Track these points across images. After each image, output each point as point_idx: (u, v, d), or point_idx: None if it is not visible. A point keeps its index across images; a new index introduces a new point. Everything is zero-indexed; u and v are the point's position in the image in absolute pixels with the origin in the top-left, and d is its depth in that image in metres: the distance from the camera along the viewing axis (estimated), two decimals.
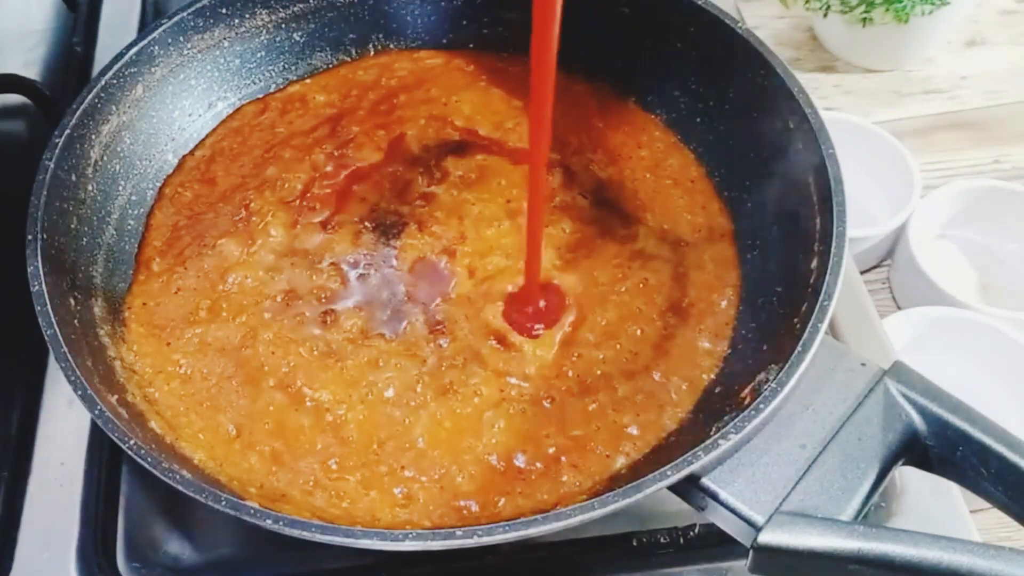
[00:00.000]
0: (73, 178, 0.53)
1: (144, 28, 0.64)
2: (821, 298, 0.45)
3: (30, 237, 0.47)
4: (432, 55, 0.65)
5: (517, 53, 0.65)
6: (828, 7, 0.91)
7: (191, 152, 0.60)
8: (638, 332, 0.51)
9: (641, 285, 0.53)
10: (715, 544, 0.47)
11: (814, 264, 0.47)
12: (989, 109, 0.95)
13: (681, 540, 0.50)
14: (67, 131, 0.52)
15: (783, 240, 0.52)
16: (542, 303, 0.52)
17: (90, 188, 0.54)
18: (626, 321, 0.52)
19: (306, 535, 0.39)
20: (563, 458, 0.46)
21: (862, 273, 0.66)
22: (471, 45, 0.66)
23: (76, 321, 0.48)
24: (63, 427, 0.55)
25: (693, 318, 0.52)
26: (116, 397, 0.46)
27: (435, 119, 0.62)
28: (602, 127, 0.61)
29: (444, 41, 0.66)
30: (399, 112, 0.62)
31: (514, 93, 0.63)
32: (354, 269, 0.54)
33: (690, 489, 0.42)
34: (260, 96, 0.63)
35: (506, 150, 0.60)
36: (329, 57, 0.65)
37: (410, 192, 0.58)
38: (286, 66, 0.64)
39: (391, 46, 0.66)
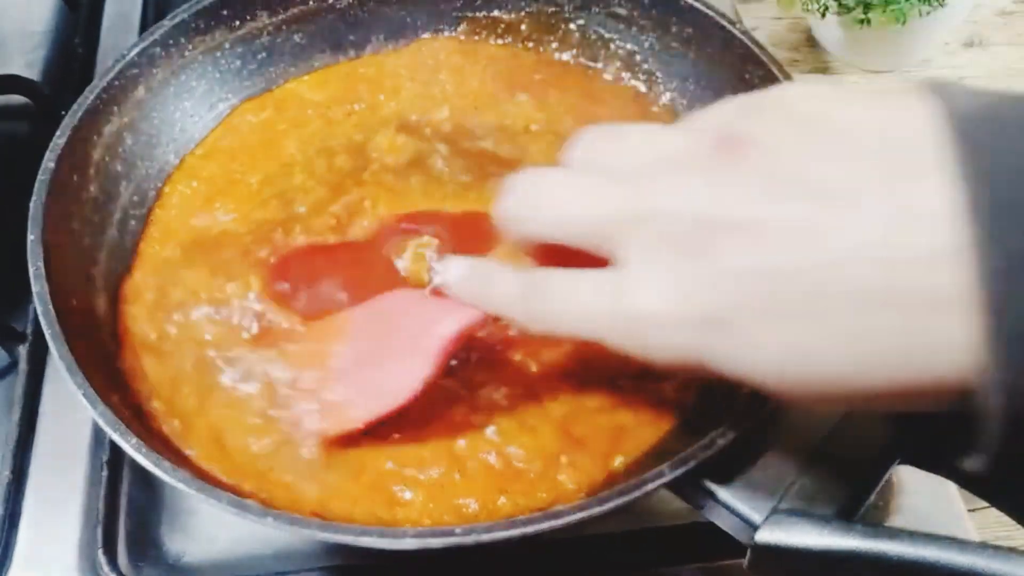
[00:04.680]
0: (75, 179, 0.53)
1: (145, 29, 0.64)
2: None
3: (32, 237, 0.48)
4: (433, 51, 0.66)
5: (521, 48, 0.65)
6: (826, 8, 0.91)
7: (192, 151, 0.60)
8: None
9: None
10: (714, 543, 0.47)
11: None
12: None
13: (680, 539, 0.51)
14: (68, 132, 0.52)
15: None
16: None
17: (92, 189, 0.54)
18: None
19: (306, 533, 0.39)
20: (562, 457, 0.46)
21: None
22: (475, 39, 0.66)
23: (77, 321, 0.48)
24: (63, 427, 0.55)
25: None
26: (117, 396, 0.46)
27: (438, 110, 0.62)
28: (603, 115, 0.61)
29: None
30: (401, 106, 0.62)
31: (517, 86, 0.63)
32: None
33: (689, 488, 0.42)
34: (259, 95, 0.63)
35: (511, 142, 0.60)
36: (329, 58, 0.65)
37: (411, 184, 0.58)
38: (287, 67, 0.64)
39: (391, 47, 0.66)
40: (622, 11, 0.62)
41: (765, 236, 0.28)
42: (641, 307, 0.31)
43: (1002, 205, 0.24)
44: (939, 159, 0.26)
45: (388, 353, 0.42)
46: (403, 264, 0.53)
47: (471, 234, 0.54)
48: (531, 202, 0.35)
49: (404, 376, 0.40)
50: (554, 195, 0.34)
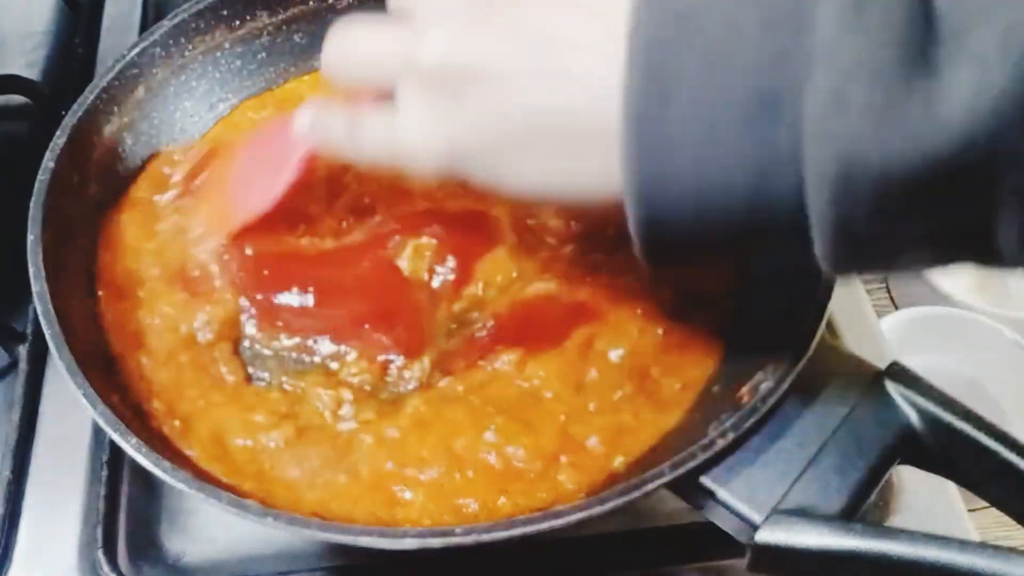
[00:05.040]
0: (75, 179, 0.53)
1: (145, 29, 0.64)
2: (819, 297, 0.45)
3: (32, 237, 0.48)
4: None
5: None
6: None
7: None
8: (636, 331, 0.51)
9: (642, 284, 0.53)
10: (714, 543, 0.47)
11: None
12: None
13: (680, 539, 0.51)
14: (68, 132, 0.52)
15: None
16: None
17: (92, 189, 0.54)
18: (627, 321, 0.52)
19: (306, 533, 0.39)
20: (562, 457, 0.46)
21: None
22: None
23: (78, 320, 0.48)
24: (63, 427, 0.55)
25: (691, 316, 0.52)
26: (117, 396, 0.46)
27: None
28: None
29: None
30: None
31: None
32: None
33: (688, 488, 0.42)
34: (260, 94, 0.63)
35: None
36: None
37: (411, 183, 0.57)
38: (287, 67, 0.64)
39: None
40: None
41: (495, 84, 0.35)
42: (406, 143, 0.39)
43: (649, 62, 0.30)
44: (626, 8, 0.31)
45: (262, 169, 0.52)
46: (404, 264, 0.53)
47: (470, 232, 0.54)
48: (337, 52, 0.42)
49: (271, 185, 0.50)
50: (354, 45, 0.41)
